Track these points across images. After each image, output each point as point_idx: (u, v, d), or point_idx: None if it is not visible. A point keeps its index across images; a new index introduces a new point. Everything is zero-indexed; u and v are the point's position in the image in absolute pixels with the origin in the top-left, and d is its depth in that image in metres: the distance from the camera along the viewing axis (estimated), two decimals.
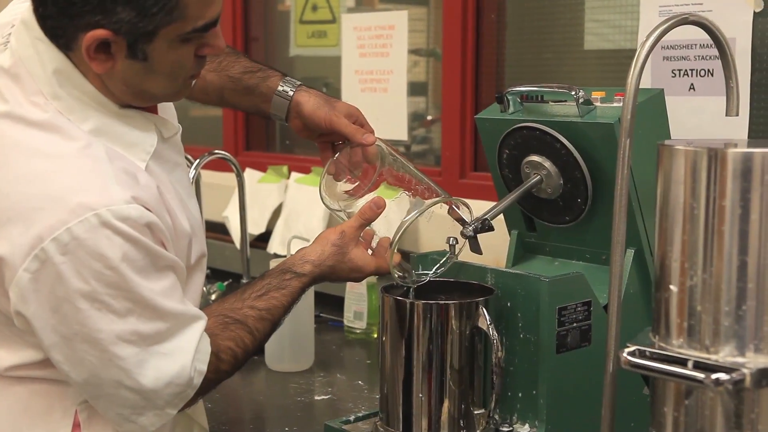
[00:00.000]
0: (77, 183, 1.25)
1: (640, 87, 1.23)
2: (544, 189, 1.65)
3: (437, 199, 1.51)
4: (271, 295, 1.46)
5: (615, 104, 1.56)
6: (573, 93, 1.57)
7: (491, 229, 1.57)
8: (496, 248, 1.91)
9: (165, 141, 1.43)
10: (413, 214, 1.49)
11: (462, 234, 1.56)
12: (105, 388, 1.28)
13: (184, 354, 1.31)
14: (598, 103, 1.58)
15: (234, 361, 1.40)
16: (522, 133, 1.64)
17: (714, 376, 1.06)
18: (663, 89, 1.62)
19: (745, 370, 1.06)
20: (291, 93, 1.62)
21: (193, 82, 1.42)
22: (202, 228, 1.49)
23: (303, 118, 1.61)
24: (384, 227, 1.54)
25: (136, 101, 1.37)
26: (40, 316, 1.25)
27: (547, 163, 1.62)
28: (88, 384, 1.28)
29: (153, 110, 1.43)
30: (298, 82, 1.64)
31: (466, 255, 1.60)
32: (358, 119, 1.61)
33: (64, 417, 1.33)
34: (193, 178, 2.25)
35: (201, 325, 1.35)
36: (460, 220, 1.56)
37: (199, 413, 1.60)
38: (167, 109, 1.49)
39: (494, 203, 1.64)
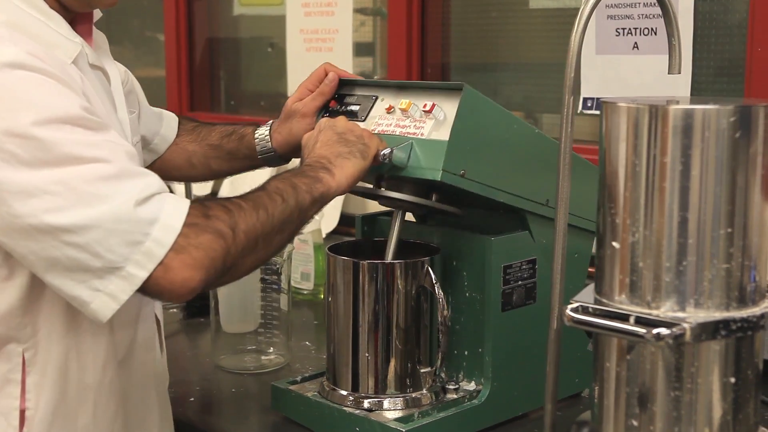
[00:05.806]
0: None
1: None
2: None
3: None
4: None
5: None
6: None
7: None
8: None
9: (103, 81, 1.39)
10: None
11: None
12: (48, 249, 1.14)
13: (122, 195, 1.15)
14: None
15: (229, 218, 1.20)
16: None
17: (655, 330, 1.07)
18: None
19: (686, 325, 1.07)
20: (268, 141, 1.68)
21: None
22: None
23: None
24: None
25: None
26: None
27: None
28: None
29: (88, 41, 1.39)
30: (267, 127, 1.68)
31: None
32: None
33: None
34: None
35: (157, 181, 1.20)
36: None
37: None
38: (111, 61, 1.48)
39: None
